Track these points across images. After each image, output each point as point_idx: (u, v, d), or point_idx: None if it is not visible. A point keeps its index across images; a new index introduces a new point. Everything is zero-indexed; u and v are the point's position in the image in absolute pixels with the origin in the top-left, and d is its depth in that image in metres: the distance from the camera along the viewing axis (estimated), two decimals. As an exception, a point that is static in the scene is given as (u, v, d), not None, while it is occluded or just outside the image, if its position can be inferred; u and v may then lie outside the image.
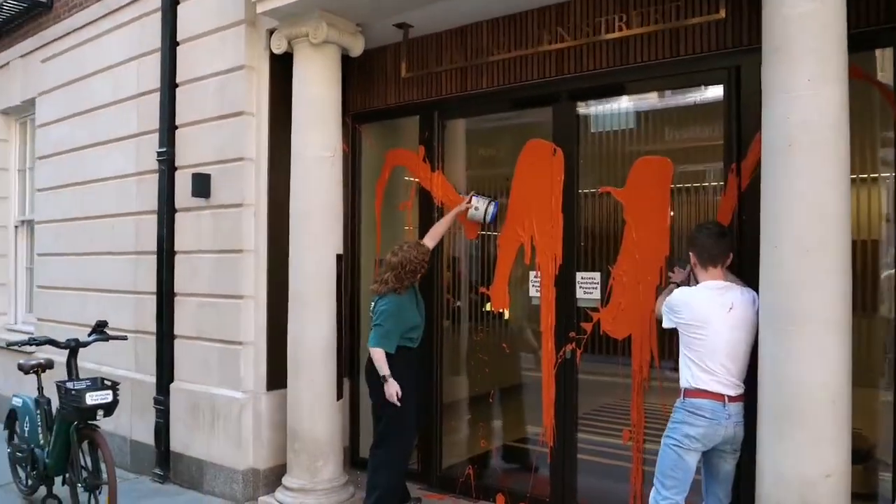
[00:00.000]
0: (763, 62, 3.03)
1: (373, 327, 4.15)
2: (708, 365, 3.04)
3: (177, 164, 5.27)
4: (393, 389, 4.00)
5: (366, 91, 5.20)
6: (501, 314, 4.73)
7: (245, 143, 4.87)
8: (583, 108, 4.36)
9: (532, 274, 4.48)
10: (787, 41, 2.86)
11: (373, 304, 4.29)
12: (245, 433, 4.79)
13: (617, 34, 4.01)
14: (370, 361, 4.23)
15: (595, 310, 4.25)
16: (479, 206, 4.59)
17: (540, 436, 4.44)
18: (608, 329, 4.20)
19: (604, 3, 4.09)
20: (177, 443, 5.20)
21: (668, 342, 4.08)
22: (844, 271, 2.82)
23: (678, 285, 3.54)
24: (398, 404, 4.02)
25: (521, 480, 4.58)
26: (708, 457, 3.14)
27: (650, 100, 4.25)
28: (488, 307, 5.26)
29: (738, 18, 3.65)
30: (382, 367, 4.02)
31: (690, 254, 3.27)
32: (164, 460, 5.20)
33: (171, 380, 5.28)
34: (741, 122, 3.72)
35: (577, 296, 4.30)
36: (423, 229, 4.88)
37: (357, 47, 4.73)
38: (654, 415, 4.09)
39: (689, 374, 3.07)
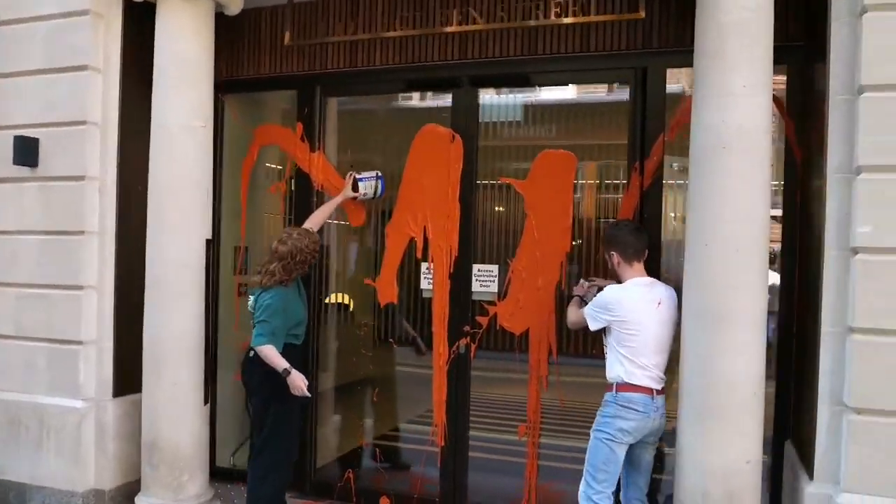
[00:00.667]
0: (696, 66, 3.13)
1: (256, 323, 3.71)
2: (641, 360, 3.12)
3: (-16, 123, 4.37)
4: (300, 382, 3.62)
5: (234, 57, 4.61)
6: (389, 306, 4.50)
7: (88, 103, 4.12)
8: (485, 96, 4.27)
9: (424, 266, 4.33)
10: (722, 47, 2.99)
11: (253, 297, 3.86)
12: (85, 448, 4.08)
13: (532, 22, 3.94)
14: (248, 361, 3.83)
15: (492, 303, 4.19)
16: (368, 190, 4.34)
17: (430, 435, 4.30)
18: (505, 323, 4.17)
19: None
20: (-14, 465, 4.33)
21: (567, 338, 4.22)
22: (765, 270, 3.04)
23: (581, 298, 3.63)
24: (308, 395, 3.67)
25: (407, 482, 4.39)
26: (631, 448, 3.23)
27: (555, 93, 4.29)
28: (332, 299, 5.06)
29: (655, 20, 3.74)
30: (279, 363, 3.61)
31: (613, 252, 3.32)
32: (-33, 487, 4.30)
33: (-23, 388, 4.39)
34: (645, 122, 3.85)
35: (473, 289, 4.21)
36: (300, 214, 4.48)
37: (235, 4, 4.21)
38: (550, 410, 4.18)
39: (623, 370, 3.13)
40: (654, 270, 3.66)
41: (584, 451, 3.43)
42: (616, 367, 3.15)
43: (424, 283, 4.32)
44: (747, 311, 2.95)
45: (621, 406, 3.10)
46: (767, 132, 2.94)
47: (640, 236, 3.38)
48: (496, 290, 4.19)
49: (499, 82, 4.23)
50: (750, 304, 2.95)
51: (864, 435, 2.80)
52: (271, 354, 3.67)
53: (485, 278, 4.22)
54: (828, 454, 2.91)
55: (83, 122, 4.12)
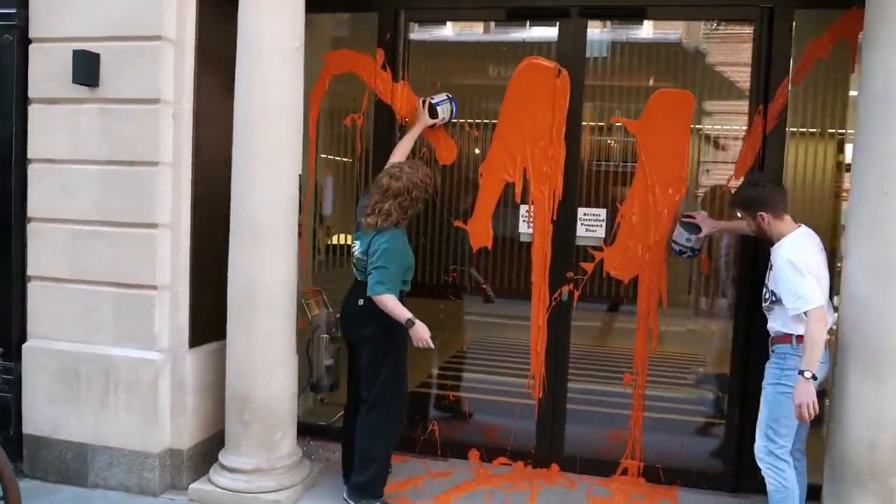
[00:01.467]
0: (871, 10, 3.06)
1: (373, 270, 3.43)
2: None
3: (32, 34, 3.81)
4: (424, 333, 3.38)
5: None
6: (483, 250, 4.30)
7: (162, 14, 3.64)
8: (595, 29, 4.09)
9: (523, 209, 4.15)
10: None
11: (360, 242, 3.59)
12: (162, 405, 3.73)
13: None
14: (359, 310, 3.57)
15: (598, 249, 4.09)
16: (445, 114, 4.10)
17: (526, 386, 4.20)
18: (612, 270, 4.07)
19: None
20: (37, 424, 3.87)
21: (674, 287, 4.17)
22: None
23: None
24: (433, 346, 3.42)
25: (499, 434, 4.29)
26: None
27: (672, 29, 4.14)
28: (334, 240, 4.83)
29: None
30: (401, 313, 3.37)
31: (763, 213, 3.16)
32: (13, 449, 3.85)
33: (23, 338, 3.92)
34: (771, 64, 3.79)
35: (578, 233, 4.09)
36: (381, 149, 4.22)
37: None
38: (655, 360, 4.14)
39: (802, 322, 3.03)
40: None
41: (687, 401, 3.42)
42: (792, 321, 3.08)
43: (523, 227, 4.18)
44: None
45: (801, 358, 3.05)
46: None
47: (781, 188, 3.33)
48: (602, 236, 4.08)
49: (611, 14, 4.03)
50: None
51: None
52: (391, 304, 3.41)
53: (591, 222, 4.09)
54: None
55: (158, 38, 3.65)
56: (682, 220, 3.81)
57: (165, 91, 3.70)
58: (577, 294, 4.09)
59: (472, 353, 4.63)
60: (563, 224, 4.08)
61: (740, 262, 3.97)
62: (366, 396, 3.64)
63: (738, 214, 3.44)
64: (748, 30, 3.90)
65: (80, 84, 3.69)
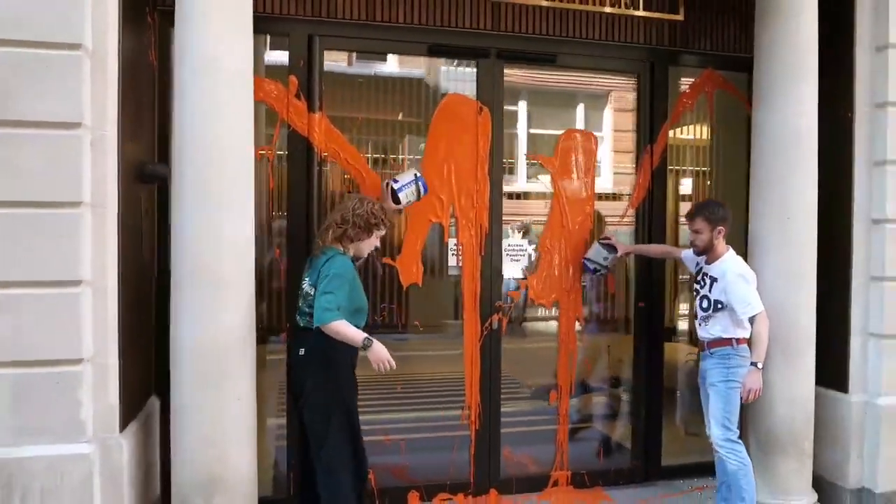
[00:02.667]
0: (759, 76, 3.94)
1: (320, 296, 3.18)
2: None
3: None
4: (382, 353, 3.16)
5: None
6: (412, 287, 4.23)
7: (75, 18, 2.92)
8: (510, 71, 4.36)
9: (451, 242, 4.23)
10: (795, 61, 3.82)
11: (309, 276, 3.35)
12: None
13: (559, 4, 4.23)
14: (299, 360, 3.33)
15: (523, 278, 4.37)
16: (412, 197, 3.93)
17: (462, 417, 4.27)
18: (536, 295, 4.40)
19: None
20: None
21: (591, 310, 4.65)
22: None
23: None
24: (393, 366, 3.19)
25: (436, 470, 4.27)
26: None
27: (576, 74, 4.58)
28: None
29: (692, 22, 4.46)
30: (355, 335, 3.15)
31: (722, 228, 3.78)
32: None
33: None
34: (654, 110, 4.52)
35: (504, 264, 4.34)
36: (297, 186, 3.98)
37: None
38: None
39: (738, 327, 3.71)
40: (668, 239, 4.49)
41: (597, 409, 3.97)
42: (733, 326, 3.73)
43: (453, 261, 4.26)
44: (812, 270, 3.90)
45: (742, 356, 3.71)
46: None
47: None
48: (526, 265, 4.39)
49: (525, 58, 4.35)
50: (811, 265, 3.90)
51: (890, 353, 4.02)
52: (343, 329, 3.16)
53: (515, 253, 4.37)
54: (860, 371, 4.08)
55: (75, 46, 2.92)
56: (601, 241, 4.32)
57: (85, 112, 2.98)
58: (504, 321, 4.35)
59: (405, 391, 4.54)
60: (490, 256, 4.29)
61: (639, 284, 4.61)
62: (316, 465, 3.35)
63: (696, 226, 3.86)
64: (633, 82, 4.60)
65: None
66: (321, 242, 3.38)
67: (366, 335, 3.20)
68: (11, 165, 2.89)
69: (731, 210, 3.93)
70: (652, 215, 4.52)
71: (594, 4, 4.28)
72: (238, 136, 3.20)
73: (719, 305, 3.77)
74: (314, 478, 3.42)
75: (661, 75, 4.52)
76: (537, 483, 4.40)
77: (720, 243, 3.84)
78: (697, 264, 3.98)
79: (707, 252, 3.86)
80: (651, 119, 4.52)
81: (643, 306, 4.53)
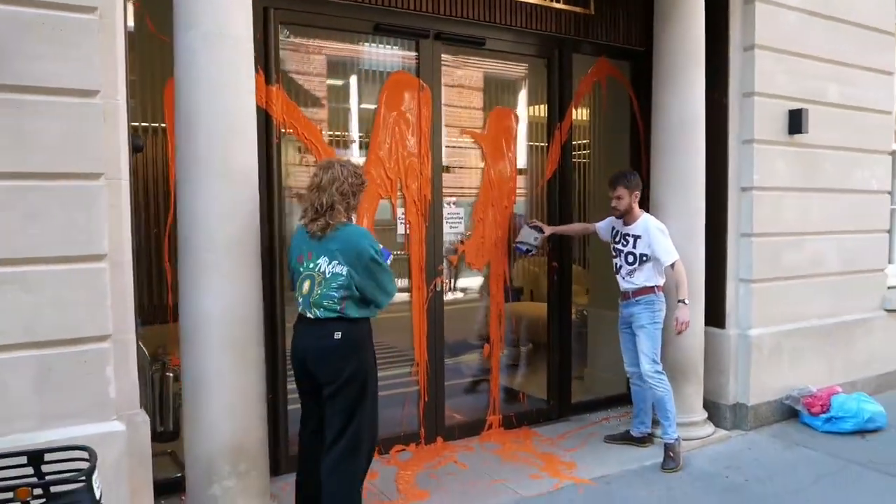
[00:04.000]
0: (661, 66, 4.73)
1: (381, 277, 3.26)
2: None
3: None
4: None
5: None
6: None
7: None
8: (447, 51, 4.70)
9: (399, 212, 4.52)
10: (687, 58, 4.65)
11: (321, 257, 3.26)
12: (128, 490, 2.90)
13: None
14: (335, 345, 3.22)
15: (461, 242, 4.80)
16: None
17: (412, 374, 4.62)
18: (471, 260, 4.85)
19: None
20: None
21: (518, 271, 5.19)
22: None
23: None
24: None
25: (390, 425, 4.58)
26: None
27: (502, 56, 5.02)
28: None
29: (597, 16, 5.13)
30: None
31: (637, 192, 4.50)
32: None
33: None
34: (562, 92, 5.15)
35: (445, 231, 4.73)
36: (261, 156, 3.98)
37: None
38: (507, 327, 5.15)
39: (658, 276, 4.48)
40: (574, 205, 5.19)
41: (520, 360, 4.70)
42: (655, 275, 4.48)
43: (401, 229, 4.56)
44: (702, 231, 4.81)
45: (661, 301, 4.49)
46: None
47: None
48: (463, 231, 4.82)
49: (459, 40, 4.73)
50: (702, 226, 4.81)
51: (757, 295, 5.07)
52: None
53: (453, 220, 4.78)
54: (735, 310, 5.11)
55: (91, 10, 2.79)
56: (529, 224, 4.89)
57: (99, 80, 2.88)
58: (446, 283, 4.77)
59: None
60: (433, 223, 4.69)
61: (552, 250, 5.23)
62: (338, 442, 3.32)
63: (617, 192, 4.52)
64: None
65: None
66: (331, 221, 3.24)
67: None
68: (25, 133, 2.77)
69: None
70: (563, 184, 5.20)
71: (519, -6, 4.83)
72: (248, 106, 3.30)
73: (644, 258, 4.50)
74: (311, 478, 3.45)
75: (567, 61, 5.20)
76: (476, 427, 4.95)
77: (636, 206, 4.60)
78: (614, 229, 4.69)
79: (626, 214, 4.58)
80: (561, 99, 5.19)
81: (557, 266, 5.23)
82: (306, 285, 3.24)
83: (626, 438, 4.80)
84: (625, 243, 4.61)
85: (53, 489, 2.10)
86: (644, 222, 4.54)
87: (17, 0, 2.74)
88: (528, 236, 4.88)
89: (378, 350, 5.08)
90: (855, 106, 5.63)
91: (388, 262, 3.37)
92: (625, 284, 4.62)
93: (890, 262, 6.47)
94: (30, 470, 2.20)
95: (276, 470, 4.00)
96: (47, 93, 2.80)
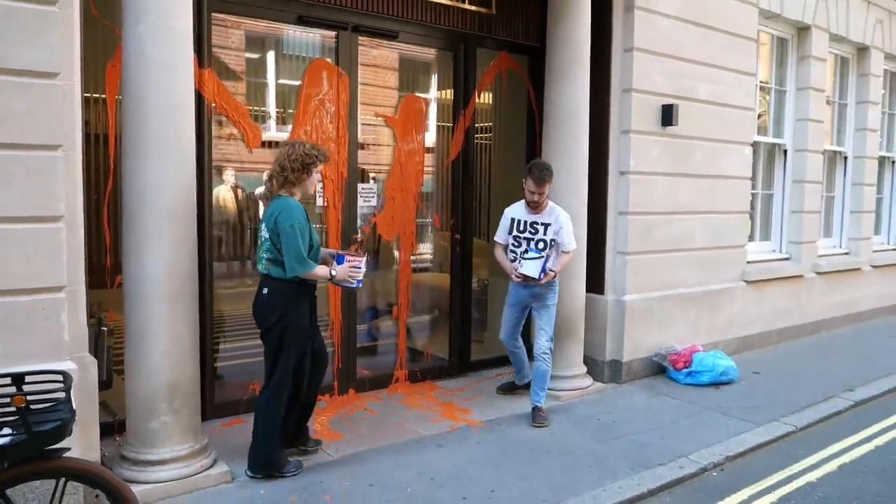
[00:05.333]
0: (558, 70, 5.48)
1: (287, 248, 3.87)
2: None
3: None
4: (345, 272, 4.06)
5: None
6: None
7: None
8: (363, 42, 5.29)
9: (318, 186, 5.11)
10: (576, 58, 5.41)
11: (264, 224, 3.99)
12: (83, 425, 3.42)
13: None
14: (269, 294, 3.98)
15: (373, 215, 5.43)
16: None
17: (327, 335, 5.24)
18: (382, 232, 5.50)
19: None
20: None
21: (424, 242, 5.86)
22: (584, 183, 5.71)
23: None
24: (356, 276, 4.12)
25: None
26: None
27: (413, 48, 5.63)
28: None
29: (497, 14, 5.83)
30: (324, 273, 4.00)
31: (550, 184, 5.01)
32: None
33: None
34: (466, 82, 5.84)
35: (359, 204, 5.34)
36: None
37: None
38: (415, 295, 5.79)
39: (557, 260, 5.14)
40: (474, 180, 5.91)
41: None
42: (556, 261, 5.12)
43: (319, 202, 5.17)
44: (584, 210, 5.60)
45: (558, 283, 5.23)
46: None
47: None
48: (375, 205, 5.46)
49: (374, 33, 5.35)
50: (584, 206, 5.61)
51: (631, 265, 5.93)
52: (315, 272, 3.96)
53: (367, 195, 5.41)
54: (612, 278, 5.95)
55: (51, 2, 3.27)
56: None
57: (59, 63, 3.36)
58: (359, 250, 5.39)
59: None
60: (348, 198, 5.32)
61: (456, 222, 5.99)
62: (266, 387, 4.08)
63: (544, 188, 5.00)
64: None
65: (-53, 46, 3.01)
66: (269, 192, 4.00)
67: (327, 269, 4.02)
68: (-7, 109, 3.25)
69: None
70: (465, 164, 5.94)
71: (427, -6, 5.49)
72: (188, 91, 3.84)
73: (552, 243, 5.10)
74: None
75: (471, 54, 5.91)
76: (384, 381, 5.67)
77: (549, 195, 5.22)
78: (516, 220, 5.14)
79: (539, 205, 5.15)
80: (465, 88, 5.90)
81: (459, 239, 5.96)
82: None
83: (513, 388, 5.60)
84: (533, 231, 5.12)
85: (34, 406, 2.64)
86: (553, 210, 5.13)
87: (-16, -8, 3.23)
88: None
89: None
90: (721, 103, 6.62)
91: (342, 265, 4.06)
92: (535, 269, 5.14)
93: (751, 239, 7.58)
94: (13, 389, 2.72)
95: (203, 415, 4.59)
96: (15, 74, 3.27)
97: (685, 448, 4.67)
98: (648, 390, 5.94)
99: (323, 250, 4.26)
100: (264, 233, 3.96)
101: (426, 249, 6.23)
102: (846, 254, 8.92)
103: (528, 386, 5.48)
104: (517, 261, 5.11)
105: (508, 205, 5.31)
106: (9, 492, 2.67)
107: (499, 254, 5.27)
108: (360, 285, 4.30)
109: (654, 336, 6.25)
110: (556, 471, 4.28)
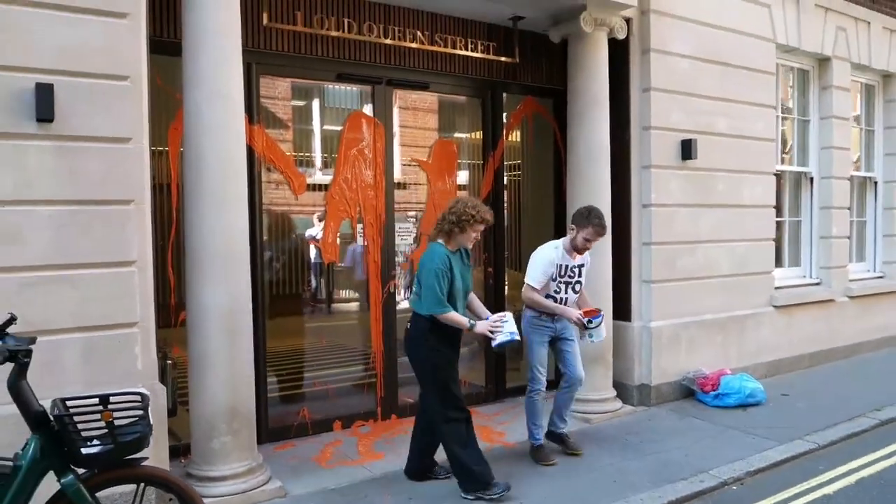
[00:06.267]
0: (580, 113, 5.91)
1: (426, 287, 4.30)
2: None
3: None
4: (485, 327, 4.41)
5: (164, 14, 4.71)
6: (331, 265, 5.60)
7: (123, 51, 3.93)
8: (397, 94, 5.83)
9: (359, 227, 5.62)
10: (594, 101, 5.85)
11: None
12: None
13: (431, 48, 5.84)
14: (412, 328, 4.50)
15: (411, 252, 5.91)
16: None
17: (371, 362, 5.70)
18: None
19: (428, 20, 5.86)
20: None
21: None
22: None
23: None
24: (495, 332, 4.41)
25: (353, 406, 5.72)
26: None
27: (444, 98, 6.17)
28: None
29: (521, 63, 6.31)
30: (461, 321, 4.35)
31: None
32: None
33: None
34: (494, 126, 6.32)
35: (396, 242, 5.82)
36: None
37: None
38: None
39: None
40: (505, 218, 6.34)
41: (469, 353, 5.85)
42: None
43: (360, 241, 5.66)
44: (608, 241, 5.97)
45: None
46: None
47: None
48: (412, 242, 5.93)
49: (407, 85, 5.90)
50: (608, 237, 5.97)
51: (656, 293, 6.26)
52: (450, 317, 4.32)
53: (404, 234, 5.89)
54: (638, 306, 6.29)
55: (124, 77, 3.87)
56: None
57: (131, 130, 3.96)
58: (398, 286, 5.87)
59: (328, 350, 5.92)
60: (387, 237, 5.81)
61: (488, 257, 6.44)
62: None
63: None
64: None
65: (40, 120, 3.64)
66: (431, 236, 4.50)
67: (469, 319, 4.41)
68: (70, 171, 3.83)
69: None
70: (496, 201, 6.37)
71: (455, 48, 5.97)
72: (240, 148, 4.39)
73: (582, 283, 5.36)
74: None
75: (498, 100, 6.39)
76: (423, 408, 6.06)
77: None
78: (562, 268, 5.14)
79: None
80: (493, 132, 6.37)
81: (491, 272, 6.38)
82: None
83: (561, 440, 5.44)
84: (573, 275, 5.21)
85: (118, 422, 3.13)
86: (586, 254, 5.25)
87: (74, 73, 3.82)
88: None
89: (344, 348, 6.27)
90: (741, 135, 6.94)
91: (485, 320, 4.47)
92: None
93: (780, 265, 7.82)
94: (101, 408, 3.22)
95: (259, 438, 5.05)
96: (94, 140, 3.88)
97: (707, 465, 4.95)
98: (677, 412, 6.20)
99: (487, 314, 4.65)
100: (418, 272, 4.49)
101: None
102: (880, 277, 9.03)
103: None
104: (561, 302, 5.15)
105: (537, 238, 5.69)
106: (98, 495, 3.16)
107: (536, 297, 5.09)
108: (514, 337, 4.46)
109: (681, 361, 6.53)
110: (581, 485, 4.62)
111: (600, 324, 5.09)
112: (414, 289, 4.55)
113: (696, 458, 5.09)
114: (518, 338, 4.48)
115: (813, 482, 4.78)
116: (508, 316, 4.51)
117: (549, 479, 4.69)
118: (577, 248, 5.14)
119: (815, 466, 5.05)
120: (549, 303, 5.13)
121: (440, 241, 4.45)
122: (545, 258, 5.14)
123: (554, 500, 4.38)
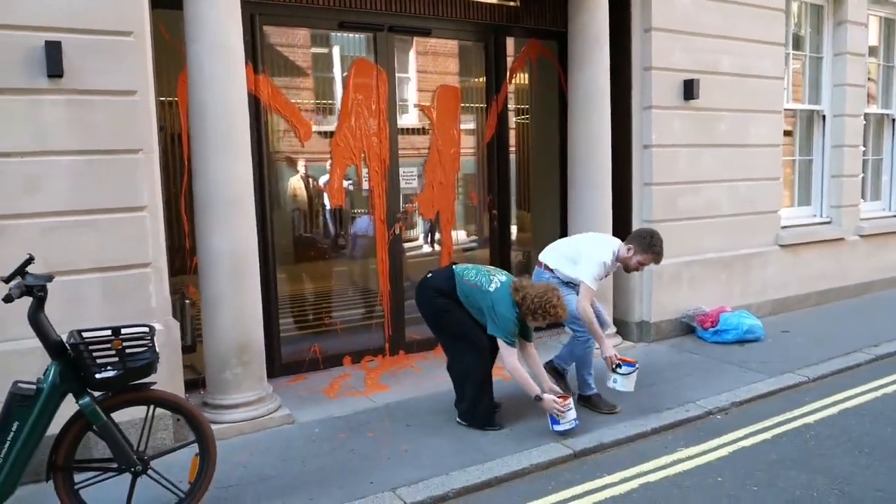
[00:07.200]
0: (581, 53, 6.02)
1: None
2: None
3: None
4: (552, 406, 4.57)
5: None
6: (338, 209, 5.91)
7: (127, 9, 4.17)
8: (397, 41, 6.01)
9: (364, 171, 5.89)
10: (596, 40, 5.95)
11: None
12: (168, 370, 4.32)
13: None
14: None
15: (415, 195, 6.17)
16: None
17: (378, 301, 6.03)
18: (423, 210, 6.23)
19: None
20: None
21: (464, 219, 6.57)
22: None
23: None
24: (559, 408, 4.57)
25: (362, 342, 6.08)
26: None
27: (446, 43, 6.33)
28: None
29: (523, 6, 6.41)
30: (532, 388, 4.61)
31: None
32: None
33: (-7, 342, 3.85)
34: (497, 70, 6.46)
35: (401, 186, 6.08)
36: (253, 131, 5.30)
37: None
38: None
39: None
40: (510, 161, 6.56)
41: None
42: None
43: (365, 185, 5.94)
44: (608, 182, 6.15)
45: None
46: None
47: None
48: (416, 186, 6.18)
49: (408, 31, 6.06)
50: (608, 178, 6.15)
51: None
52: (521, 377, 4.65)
53: (408, 177, 6.14)
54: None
55: (127, 34, 4.14)
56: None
57: (140, 81, 4.25)
58: (403, 228, 6.15)
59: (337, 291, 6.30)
60: (391, 180, 6.05)
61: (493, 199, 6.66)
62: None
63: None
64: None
65: (51, 76, 3.93)
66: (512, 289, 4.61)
67: (536, 386, 4.60)
68: (81, 122, 4.13)
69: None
70: (500, 145, 6.57)
71: (458, -8, 6.13)
72: (241, 98, 4.64)
73: None
74: None
75: (501, 44, 6.51)
76: (431, 344, 6.33)
77: None
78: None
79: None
80: (496, 75, 6.51)
81: (496, 214, 6.61)
82: None
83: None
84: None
85: (128, 350, 3.49)
86: None
87: (80, 31, 4.08)
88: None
89: (353, 290, 6.60)
90: (747, 74, 6.98)
91: (552, 396, 4.60)
92: None
93: (791, 204, 7.90)
94: (112, 338, 3.58)
95: (273, 373, 5.44)
96: (102, 94, 4.16)
97: (695, 396, 5.22)
98: (675, 348, 6.45)
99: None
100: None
101: (468, 228, 6.91)
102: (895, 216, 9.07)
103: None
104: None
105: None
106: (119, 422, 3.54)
107: (591, 313, 4.90)
108: (577, 425, 4.58)
109: (683, 298, 6.74)
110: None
111: (629, 374, 4.96)
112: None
113: (686, 390, 5.36)
114: (578, 423, 4.63)
115: (797, 412, 5.03)
116: (571, 403, 4.63)
117: (542, 411, 4.99)
118: (626, 268, 5.09)
119: (802, 398, 5.28)
120: (598, 328, 4.98)
121: (515, 298, 4.58)
122: (601, 260, 4.98)
123: (542, 432, 4.71)
